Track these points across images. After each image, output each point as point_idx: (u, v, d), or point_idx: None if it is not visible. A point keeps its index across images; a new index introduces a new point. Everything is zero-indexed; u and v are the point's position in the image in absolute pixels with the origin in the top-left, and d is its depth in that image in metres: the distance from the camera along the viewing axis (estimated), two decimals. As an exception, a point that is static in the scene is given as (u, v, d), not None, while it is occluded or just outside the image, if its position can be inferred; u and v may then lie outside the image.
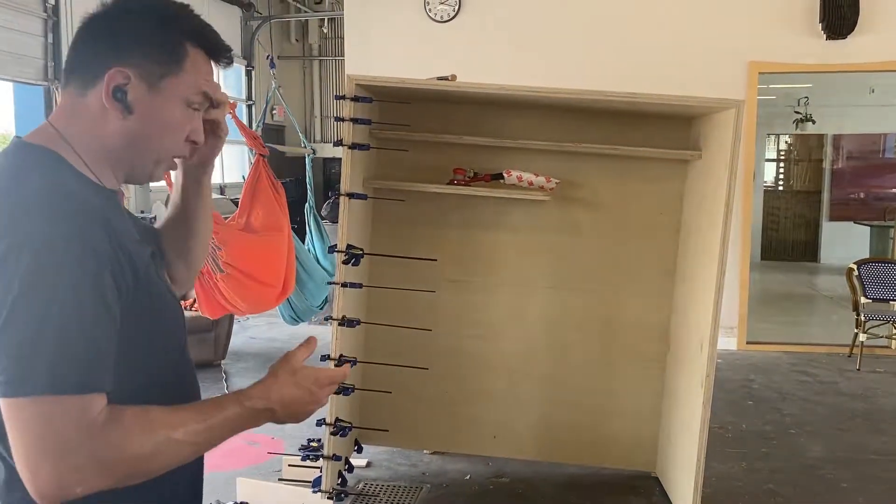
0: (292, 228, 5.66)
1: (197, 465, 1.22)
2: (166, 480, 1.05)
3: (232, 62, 1.20)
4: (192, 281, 1.43)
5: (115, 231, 1.02)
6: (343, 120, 2.95)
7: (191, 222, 1.35)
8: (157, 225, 1.36)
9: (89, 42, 1.09)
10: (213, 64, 1.17)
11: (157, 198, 8.40)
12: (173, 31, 1.11)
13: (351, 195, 2.98)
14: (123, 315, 1.01)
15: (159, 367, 1.11)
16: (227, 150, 9.69)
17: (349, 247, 2.95)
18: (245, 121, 10.05)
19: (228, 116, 4.64)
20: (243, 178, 4.80)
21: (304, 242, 5.56)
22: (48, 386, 0.91)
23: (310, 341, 1.18)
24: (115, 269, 1.00)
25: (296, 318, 5.23)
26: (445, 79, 3.31)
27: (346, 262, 2.96)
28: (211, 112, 1.20)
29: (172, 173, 1.32)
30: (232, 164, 9.81)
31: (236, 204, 4.68)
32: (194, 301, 4.76)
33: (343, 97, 2.95)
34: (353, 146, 2.95)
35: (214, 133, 1.25)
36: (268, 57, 6.21)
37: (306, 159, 5.75)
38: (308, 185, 5.70)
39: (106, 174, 1.10)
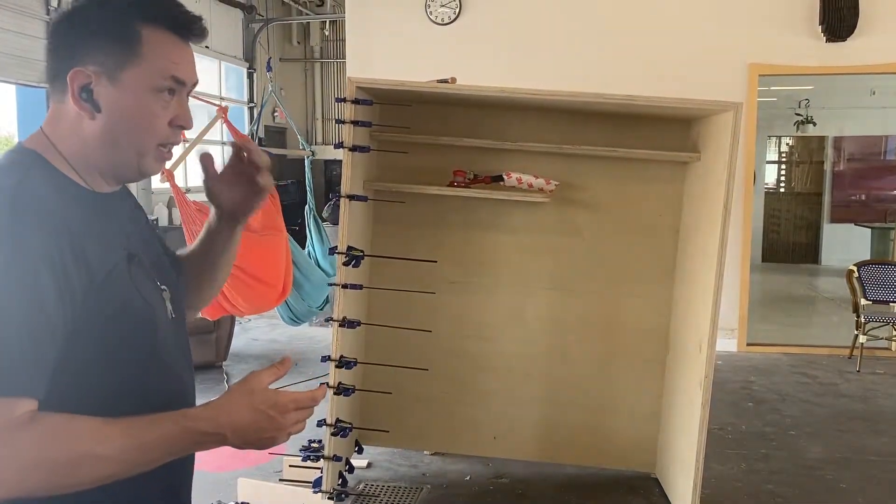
0: (294, 230, 5.68)
1: (175, 474, 1.15)
2: (135, 486, 1.02)
3: (204, 33, 1.12)
4: (198, 310, 1.40)
5: (73, 234, 1.00)
6: (344, 122, 2.97)
7: (213, 265, 1.33)
8: (178, 252, 1.34)
9: (55, 47, 1.08)
10: (181, 39, 1.10)
11: (160, 200, 8.43)
12: (124, 16, 1.06)
13: (351, 197, 2.99)
14: (78, 319, 0.99)
15: (126, 375, 1.07)
16: (228, 152, 9.70)
17: (350, 248, 2.97)
18: (247, 122, 10.08)
19: (221, 121, 4.70)
20: None
21: (304, 244, 5.59)
22: None
23: (283, 362, 1.07)
24: (59, 272, 0.97)
25: (295, 319, 5.25)
26: (445, 81, 3.32)
27: (346, 264, 2.97)
28: (256, 175, 1.20)
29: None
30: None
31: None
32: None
33: (344, 99, 2.96)
34: (353, 148, 2.97)
35: (255, 192, 1.24)
36: (269, 59, 6.23)
37: (305, 161, 5.77)
38: (308, 187, 5.72)
39: (95, 177, 1.09)
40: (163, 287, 1.16)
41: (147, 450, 0.97)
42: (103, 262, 1.04)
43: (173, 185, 4.26)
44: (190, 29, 1.10)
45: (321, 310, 5.50)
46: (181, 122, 1.12)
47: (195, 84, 1.14)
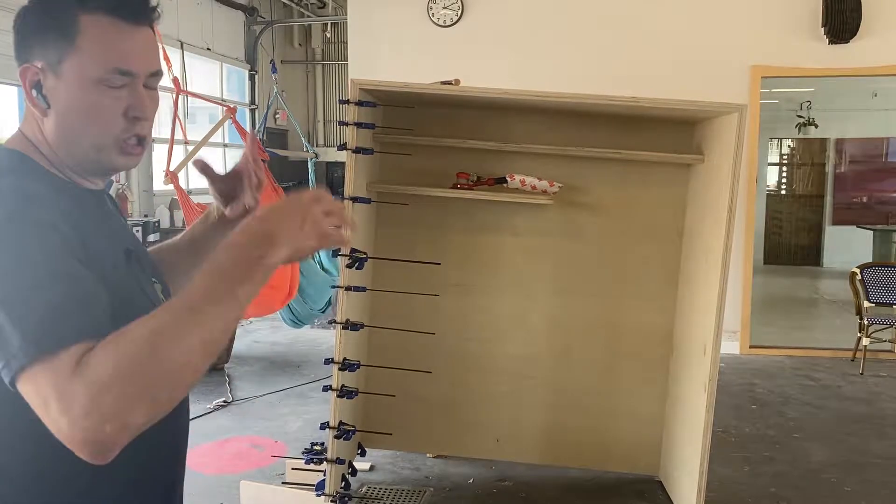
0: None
1: (169, 474, 1.14)
2: (132, 489, 1.03)
3: (151, 12, 1.06)
4: None
5: (78, 230, 0.98)
6: (347, 124, 2.96)
7: (198, 261, 1.26)
8: (155, 247, 1.32)
9: (14, 45, 1.06)
10: (128, 24, 1.03)
11: (161, 202, 8.42)
12: (62, 6, 1.02)
13: (355, 199, 2.98)
14: None
15: None
16: (231, 154, 9.71)
17: (353, 250, 2.96)
18: (248, 125, 10.08)
19: (229, 121, 4.70)
20: None
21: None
22: (43, 347, 0.85)
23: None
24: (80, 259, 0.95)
25: (297, 321, 5.25)
26: (449, 83, 3.32)
27: (349, 266, 2.96)
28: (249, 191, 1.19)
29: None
30: (235, 169, 9.82)
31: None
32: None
33: (347, 101, 2.96)
34: (357, 150, 2.96)
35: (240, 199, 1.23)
36: (270, 62, 6.24)
37: (309, 163, 5.77)
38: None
39: (71, 174, 1.07)
40: (154, 281, 1.16)
41: (211, 287, 0.91)
42: (107, 257, 1.02)
43: (177, 187, 4.26)
44: (136, 12, 1.04)
45: (323, 312, 5.49)
46: (135, 113, 1.05)
47: (155, 71, 1.08)
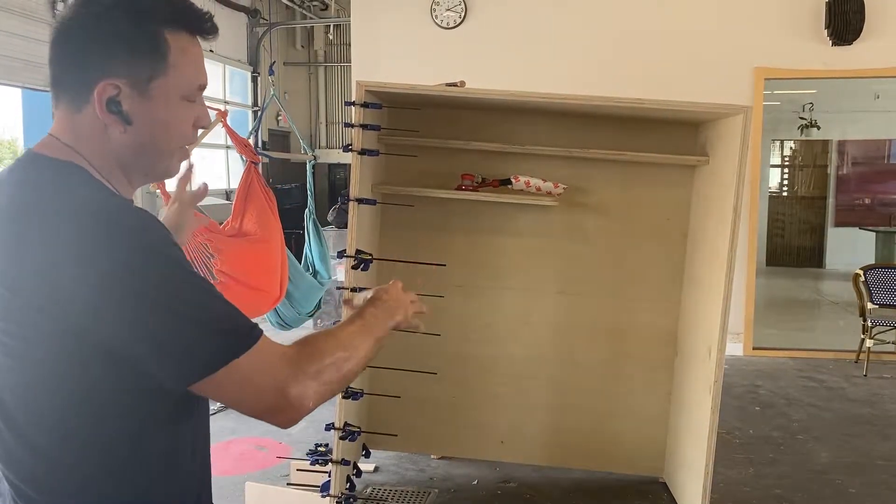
0: (299, 233, 5.67)
1: (202, 483, 1.19)
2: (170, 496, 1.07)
3: (216, 29, 1.10)
4: None
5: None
6: (352, 126, 2.97)
7: None
8: None
9: (69, 55, 1.03)
10: (197, 39, 1.09)
11: (163, 203, 8.41)
12: (148, 23, 1.03)
13: (360, 200, 2.99)
14: None
15: None
16: (233, 156, 9.71)
17: (358, 252, 2.97)
18: (250, 127, 10.09)
19: (220, 125, 4.71)
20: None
21: (302, 247, 5.61)
22: (244, 343, 0.99)
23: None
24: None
25: (284, 325, 5.26)
26: (454, 85, 3.32)
27: (355, 268, 2.97)
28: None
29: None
30: (238, 171, 9.83)
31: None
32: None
33: (353, 103, 2.96)
34: (362, 152, 2.97)
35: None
36: (272, 63, 6.25)
37: (307, 166, 5.78)
38: (308, 191, 5.73)
39: (122, 183, 1.08)
40: None
41: (366, 331, 1.20)
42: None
43: (164, 193, 4.25)
44: (206, 28, 1.09)
45: (311, 316, 5.51)
46: (202, 124, 1.12)
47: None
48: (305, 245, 5.59)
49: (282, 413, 1.02)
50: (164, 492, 1.07)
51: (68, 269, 0.93)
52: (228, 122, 4.72)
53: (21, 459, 1.02)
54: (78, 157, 1.04)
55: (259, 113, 6.59)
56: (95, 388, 0.98)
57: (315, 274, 5.44)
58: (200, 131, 1.21)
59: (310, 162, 5.85)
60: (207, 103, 1.20)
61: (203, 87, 1.11)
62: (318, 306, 5.56)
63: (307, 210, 5.62)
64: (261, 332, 1.02)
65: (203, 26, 1.08)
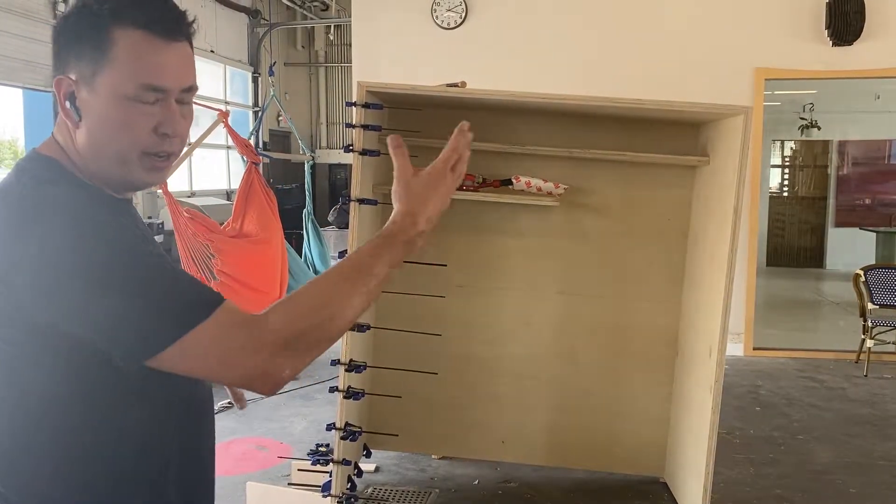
0: (300, 233, 5.68)
1: (203, 478, 1.19)
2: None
3: (187, 29, 1.05)
4: None
5: (137, 226, 1.06)
6: (354, 126, 2.97)
7: None
8: None
9: (52, 56, 1.07)
10: (163, 40, 1.03)
11: (164, 204, 8.43)
12: (98, 20, 1.01)
13: (361, 201, 2.99)
14: None
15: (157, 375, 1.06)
16: (233, 156, 9.72)
17: (359, 252, 2.96)
18: (250, 127, 10.10)
19: (221, 125, 4.72)
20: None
21: (302, 247, 5.62)
22: (195, 316, 0.95)
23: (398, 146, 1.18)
24: None
25: None
26: (455, 85, 3.32)
27: (356, 268, 2.96)
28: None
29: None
30: (238, 171, 9.85)
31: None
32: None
33: (354, 104, 2.96)
34: (363, 152, 2.97)
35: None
36: (272, 64, 6.26)
37: (305, 166, 5.79)
38: (307, 192, 5.74)
39: (104, 185, 1.09)
40: None
41: (369, 260, 1.07)
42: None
43: (166, 193, 4.26)
44: (170, 27, 1.03)
45: None
46: (165, 130, 1.05)
47: (189, 87, 1.07)
48: (304, 244, 5.60)
49: (257, 382, 0.97)
50: (144, 469, 1.06)
51: (6, 254, 0.95)
52: (229, 123, 4.73)
53: None
54: (59, 153, 1.07)
55: (260, 114, 6.59)
56: (53, 372, 0.99)
57: (316, 272, 5.46)
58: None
59: (308, 162, 5.86)
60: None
61: (160, 89, 1.03)
62: None
63: (305, 210, 5.64)
64: (217, 303, 0.97)
65: (166, 27, 1.03)
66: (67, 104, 1.04)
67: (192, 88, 1.08)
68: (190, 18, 1.07)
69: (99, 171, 1.07)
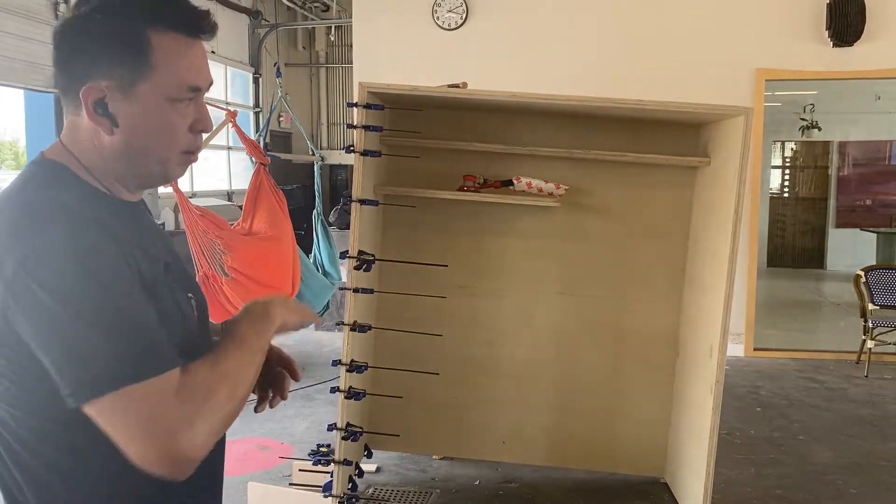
0: (301, 234, 5.67)
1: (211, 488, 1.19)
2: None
3: (214, 28, 1.06)
4: None
5: (122, 244, 0.99)
6: (355, 127, 2.97)
7: None
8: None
9: (63, 59, 1.03)
10: (191, 38, 1.05)
11: (166, 204, 8.44)
12: (132, 24, 1.00)
13: (362, 201, 3.00)
14: None
15: None
16: (234, 157, 9.73)
17: (361, 252, 2.97)
18: (252, 127, 10.10)
19: (229, 125, 4.72)
20: None
21: (311, 248, 5.61)
22: (126, 377, 0.91)
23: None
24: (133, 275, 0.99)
25: None
26: (456, 86, 3.33)
27: (357, 269, 2.98)
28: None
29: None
30: (239, 172, 9.86)
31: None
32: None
33: (355, 104, 2.97)
34: (364, 153, 2.98)
35: (278, 386, 1.28)
36: (275, 65, 6.26)
37: (315, 167, 5.79)
38: (316, 192, 5.74)
39: (117, 187, 1.08)
40: (189, 294, 1.16)
41: (245, 349, 1.07)
42: (149, 271, 1.03)
43: (176, 191, 4.27)
44: (200, 27, 1.05)
45: (321, 315, 5.51)
46: (201, 127, 1.09)
47: (210, 84, 1.10)
48: (314, 246, 5.60)
49: (169, 462, 0.93)
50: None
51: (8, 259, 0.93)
52: (235, 124, 4.73)
53: None
54: (68, 158, 1.05)
55: (268, 115, 6.59)
56: (27, 391, 0.97)
57: (326, 275, 5.45)
58: (206, 135, 1.19)
59: (317, 163, 5.86)
60: (216, 104, 1.18)
61: (197, 88, 1.06)
62: (328, 307, 5.57)
63: (315, 211, 5.63)
64: (168, 367, 0.95)
65: (194, 26, 1.04)
66: (98, 111, 1.02)
67: (211, 85, 1.11)
68: (213, 18, 1.08)
69: (128, 172, 1.07)
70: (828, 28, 5.72)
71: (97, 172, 1.05)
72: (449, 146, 3.36)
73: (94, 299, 0.92)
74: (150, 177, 1.09)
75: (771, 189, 11.36)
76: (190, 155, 1.10)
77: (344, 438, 2.99)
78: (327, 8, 11.15)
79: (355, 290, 2.99)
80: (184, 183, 8.48)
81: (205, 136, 1.15)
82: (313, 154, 6.31)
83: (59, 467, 1.01)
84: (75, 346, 0.91)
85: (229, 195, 9.44)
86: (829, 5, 5.70)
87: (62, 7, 6.56)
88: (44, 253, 0.92)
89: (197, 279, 3.95)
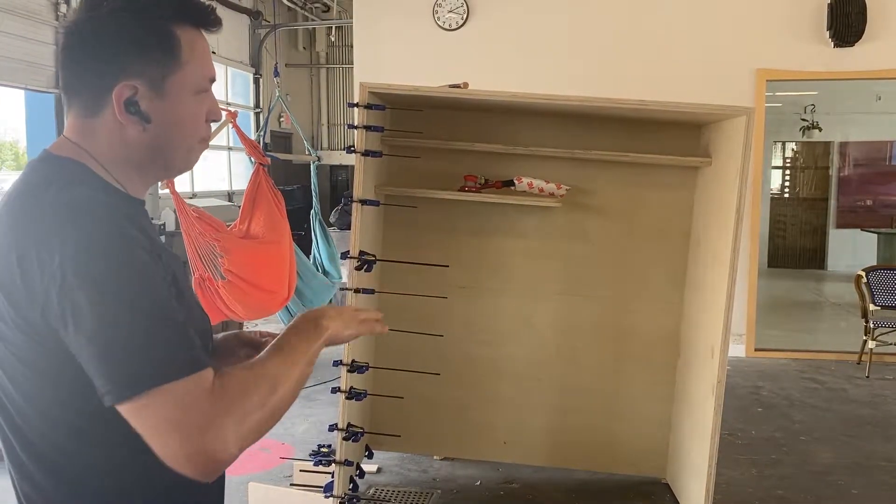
0: (300, 235, 5.66)
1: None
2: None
3: (220, 21, 1.11)
4: None
5: (151, 239, 1.01)
6: (356, 127, 2.97)
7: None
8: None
9: (81, 61, 1.03)
10: (205, 32, 1.10)
11: (166, 205, 8.43)
12: (157, 21, 1.03)
13: (363, 201, 2.99)
14: None
15: None
16: (234, 157, 9.73)
17: (362, 253, 2.97)
18: (253, 128, 10.10)
19: (230, 125, 4.71)
20: None
21: (310, 249, 5.61)
22: (163, 376, 0.91)
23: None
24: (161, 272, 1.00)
25: None
26: (457, 87, 3.33)
27: (358, 269, 2.97)
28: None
29: None
30: (240, 172, 9.86)
31: (244, 211, 4.73)
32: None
33: (356, 105, 2.97)
34: (365, 153, 2.97)
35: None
36: (277, 65, 6.26)
37: (311, 167, 5.78)
38: (314, 192, 5.73)
39: (133, 183, 1.08)
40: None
41: (295, 353, 1.07)
42: (175, 265, 1.06)
43: (173, 192, 4.26)
44: (213, 21, 1.10)
45: None
46: (214, 117, 1.13)
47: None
48: (313, 246, 5.59)
49: (198, 461, 0.92)
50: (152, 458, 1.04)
51: (33, 260, 0.93)
52: (236, 124, 4.72)
53: (23, 463, 1.03)
54: (84, 156, 1.04)
55: (267, 115, 6.59)
56: (60, 390, 0.98)
57: (326, 274, 5.45)
58: (215, 126, 1.21)
59: (313, 163, 5.85)
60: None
61: (213, 79, 1.11)
62: (330, 304, 5.56)
63: (313, 211, 5.63)
64: (204, 365, 0.95)
65: (208, 19, 1.09)
66: (130, 110, 1.03)
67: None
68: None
69: (151, 165, 1.09)
70: (828, 28, 5.71)
71: (114, 170, 1.06)
72: (450, 146, 3.36)
73: (139, 296, 0.93)
74: (174, 168, 1.12)
75: (771, 189, 11.36)
76: (205, 143, 1.14)
77: (345, 439, 2.99)
78: (328, 8, 11.16)
79: (356, 291, 2.98)
80: (184, 183, 8.49)
81: (213, 126, 1.17)
82: (310, 154, 6.29)
83: (82, 459, 1.02)
84: (118, 343, 0.91)
85: (230, 195, 9.44)
86: (829, 6, 5.70)
87: (63, 7, 6.56)
88: (91, 250, 0.93)
89: (193, 282, 3.95)
